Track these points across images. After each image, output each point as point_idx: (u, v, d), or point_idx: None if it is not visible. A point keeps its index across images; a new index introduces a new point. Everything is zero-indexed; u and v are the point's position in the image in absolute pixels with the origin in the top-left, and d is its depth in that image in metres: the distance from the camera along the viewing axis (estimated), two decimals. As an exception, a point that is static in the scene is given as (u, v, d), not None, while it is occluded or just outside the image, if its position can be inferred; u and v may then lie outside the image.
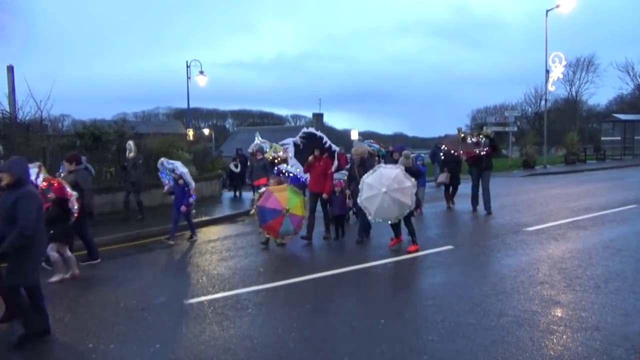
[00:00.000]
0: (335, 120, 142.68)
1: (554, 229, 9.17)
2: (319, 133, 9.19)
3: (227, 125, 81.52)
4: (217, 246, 8.84)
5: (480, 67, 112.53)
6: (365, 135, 25.14)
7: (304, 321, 5.01)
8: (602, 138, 34.66)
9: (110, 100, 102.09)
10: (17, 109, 17.37)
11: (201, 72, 25.01)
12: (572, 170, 24.71)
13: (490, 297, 5.46)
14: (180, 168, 9.25)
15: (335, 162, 9.01)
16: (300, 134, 9.43)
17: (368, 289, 6.14)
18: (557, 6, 26.17)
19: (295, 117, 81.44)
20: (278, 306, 5.55)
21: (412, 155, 12.51)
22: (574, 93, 52.64)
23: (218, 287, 6.33)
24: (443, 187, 12.92)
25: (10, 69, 19.32)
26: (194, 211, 9.87)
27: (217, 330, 4.89)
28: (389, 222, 7.66)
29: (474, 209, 11.64)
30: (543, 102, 38.37)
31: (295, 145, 9.50)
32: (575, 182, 18.39)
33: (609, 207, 11.30)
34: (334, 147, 9.02)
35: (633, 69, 48.36)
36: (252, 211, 8.52)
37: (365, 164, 8.56)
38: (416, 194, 11.84)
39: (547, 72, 27.22)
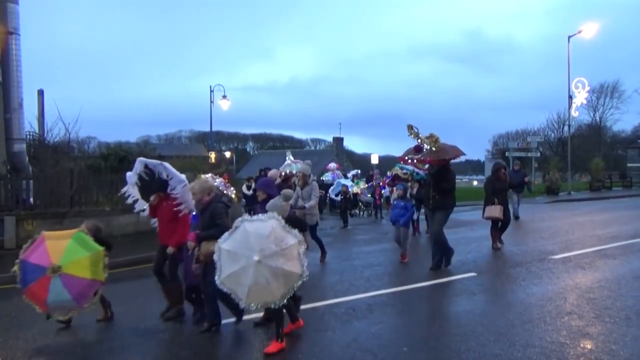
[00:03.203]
0: (354, 144, 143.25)
1: (581, 257, 8.94)
2: (152, 162, 6.12)
3: (248, 149, 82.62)
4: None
5: (496, 92, 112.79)
6: (384, 160, 25.08)
7: (325, 347, 4.94)
8: (628, 164, 34.08)
9: (134, 123, 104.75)
10: (45, 131, 17.95)
11: (224, 97, 25.53)
12: (597, 197, 24.21)
13: (516, 327, 5.32)
14: None
15: (189, 200, 5.87)
16: (141, 166, 6.13)
17: (390, 316, 6.05)
18: (580, 32, 26.12)
19: (315, 141, 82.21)
20: (298, 331, 5.49)
21: (399, 188, 9.35)
22: (597, 119, 52.06)
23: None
24: (490, 222, 10.22)
25: (41, 93, 20.06)
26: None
27: (236, 354, 4.86)
28: (273, 306, 4.68)
29: (435, 264, 8.32)
30: (566, 128, 37.99)
31: (141, 181, 6.24)
32: (601, 209, 17.97)
33: (637, 236, 10.98)
34: (176, 180, 5.89)
35: (660, 94, 47.65)
36: (15, 267, 5.52)
37: (209, 206, 5.47)
38: (401, 240, 8.85)
39: (570, 97, 27.01)
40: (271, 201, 5.35)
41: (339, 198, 16.35)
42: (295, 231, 4.70)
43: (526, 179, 15.75)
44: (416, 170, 11.90)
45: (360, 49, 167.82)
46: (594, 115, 52.02)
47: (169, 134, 79.21)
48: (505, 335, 5.09)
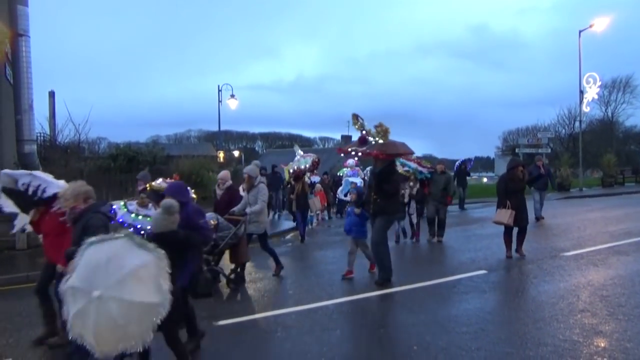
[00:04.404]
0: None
1: (593, 254, 8.83)
2: (18, 173, 5.51)
3: (256, 148, 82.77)
4: (247, 268, 8.84)
5: (505, 88, 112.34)
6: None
7: (334, 346, 4.91)
8: (641, 160, 33.58)
9: (144, 124, 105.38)
10: (56, 132, 18.11)
11: (232, 96, 25.57)
12: (609, 193, 23.94)
13: (528, 325, 5.25)
14: None
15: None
16: (7, 179, 5.43)
17: (399, 314, 6.02)
18: (591, 26, 25.79)
19: (324, 139, 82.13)
20: (307, 330, 5.48)
21: (352, 192, 8.02)
22: (609, 114, 51.37)
23: (247, 310, 6.30)
24: (503, 228, 8.94)
25: (52, 94, 20.23)
26: None
27: (245, 353, 4.85)
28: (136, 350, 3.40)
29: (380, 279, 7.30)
30: (577, 124, 37.54)
31: (15, 194, 5.40)
32: (614, 205, 17.75)
33: (651, 232, 10.84)
34: (54, 186, 5.19)
35: (673, 89, 46.92)
36: None
37: (83, 217, 4.40)
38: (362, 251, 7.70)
39: (582, 92, 26.70)
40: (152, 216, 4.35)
41: (348, 198, 15.92)
42: (152, 245, 3.50)
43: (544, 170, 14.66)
44: (419, 168, 10.89)
45: (365, 47, 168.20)
46: (605, 110, 51.27)
47: (178, 133, 79.50)
48: (516, 333, 5.03)
